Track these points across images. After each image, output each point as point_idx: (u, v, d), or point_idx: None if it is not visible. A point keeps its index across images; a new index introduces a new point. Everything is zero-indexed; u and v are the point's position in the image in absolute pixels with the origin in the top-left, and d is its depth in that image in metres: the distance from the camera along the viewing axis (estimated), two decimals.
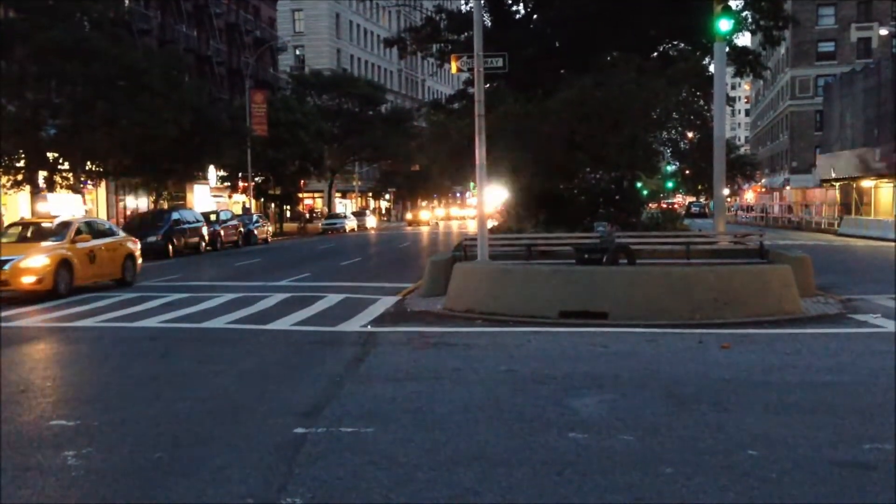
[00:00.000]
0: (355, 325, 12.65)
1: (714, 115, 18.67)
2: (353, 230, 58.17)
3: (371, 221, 66.03)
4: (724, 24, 17.44)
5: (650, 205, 30.00)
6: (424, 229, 59.47)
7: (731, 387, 8.01)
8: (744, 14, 27.17)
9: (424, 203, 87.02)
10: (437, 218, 77.61)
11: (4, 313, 14.27)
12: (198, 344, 11.28)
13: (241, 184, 50.88)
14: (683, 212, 67.16)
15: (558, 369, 9.01)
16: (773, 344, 10.39)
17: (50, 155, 27.66)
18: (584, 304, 12.33)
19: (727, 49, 21.35)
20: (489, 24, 28.65)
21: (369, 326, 12.46)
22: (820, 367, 8.99)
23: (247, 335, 11.77)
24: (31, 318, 13.71)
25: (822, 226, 49.07)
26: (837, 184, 49.71)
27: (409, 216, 74.61)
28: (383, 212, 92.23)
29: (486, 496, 5.15)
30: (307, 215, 68.00)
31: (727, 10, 17.35)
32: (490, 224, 46.04)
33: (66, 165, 28.41)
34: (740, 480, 5.35)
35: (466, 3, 43.34)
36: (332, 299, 15.59)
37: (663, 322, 11.76)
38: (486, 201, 17.10)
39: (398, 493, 5.20)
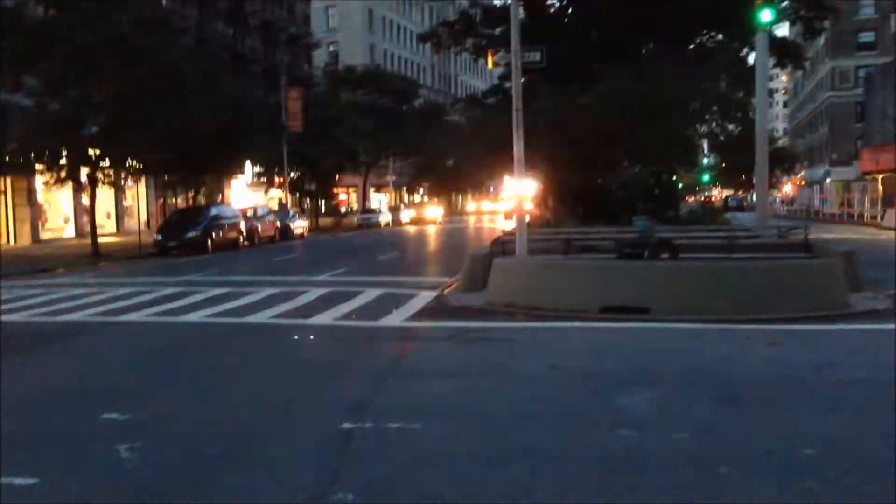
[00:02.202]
0: (396, 319, 12.66)
1: (756, 106, 18.38)
2: (387, 225, 58.28)
3: (406, 216, 65.00)
4: (765, 15, 17.15)
5: (688, 198, 29.73)
6: (431, 229, 51.38)
7: (782, 384, 7.87)
8: (783, 4, 26.73)
9: (451, 196, 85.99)
10: (463, 212, 76.20)
11: (51, 308, 14.50)
12: (242, 338, 11.37)
13: (277, 179, 51.23)
14: (720, 205, 66.36)
15: (603, 365, 8.94)
16: (823, 340, 10.21)
17: (91, 152, 28.02)
18: (625, 300, 12.20)
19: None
20: (524, 17, 28.52)
21: (411, 322, 12.46)
22: (873, 364, 8.79)
23: (289, 330, 11.83)
24: (77, 312, 13.91)
25: (865, 219, 48.16)
26: (881, 176, 48.76)
27: (407, 214, 64.83)
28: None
29: (539, 494, 5.11)
30: (342, 210, 68.24)
31: (769, 0, 17.07)
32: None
33: (108, 162, 28.78)
34: (798, 481, 5.24)
35: None
36: (372, 294, 15.62)
37: (707, 318, 11.58)
38: (523, 196, 16.99)
39: (450, 490, 5.17)
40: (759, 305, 11.93)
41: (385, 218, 59.60)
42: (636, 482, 5.25)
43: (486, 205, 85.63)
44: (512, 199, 53.53)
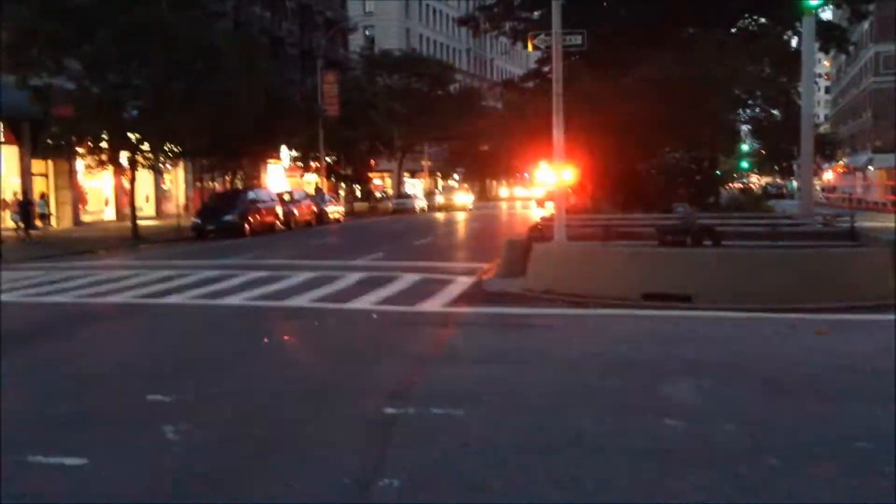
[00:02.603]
0: (435, 304, 12.63)
1: (803, 91, 17.98)
2: (422, 210, 58.26)
3: (462, 199, 63.67)
4: None
5: (727, 185, 29.30)
6: (461, 216, 49.23)
7: (831, 374, 7.71)
8: None
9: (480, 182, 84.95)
10: (496, 199, 74.68)
11: (96, 289, 14.69)
12: (282, 322, 11.42)
13: (312, 163, 51.43)
14: (760, 192, 65.32)
15: (645, 353, 8.82)
16: (872, 330, 9.98)
17: (131, 135, 28.32)
18: (667, 287, 12.04)
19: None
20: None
21: (450, 307, 12.42)
22: None
23: (328, 314, 11.85)
24: (121, 293, 14.08)
25: None
26: None
27: (421, 200, 60.18)
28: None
29: (586, 483, 5.05)
30: (377, 195, 68.29)
31: None
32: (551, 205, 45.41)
33: (147, 146, 29.07)
34: (851, 473, 5.12)
35: None
36: (409, 279, 15.61)
37: (751, 306, 11.39)
38: (559, 182, 16.84)
39: (495, 479, 5.13)
40: (804, 294, 11.71)
41: (420, 203, 59.53)
42: (685, 473, 5.16)
43: (519, 191, 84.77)
44: (545, 186, 53.02)
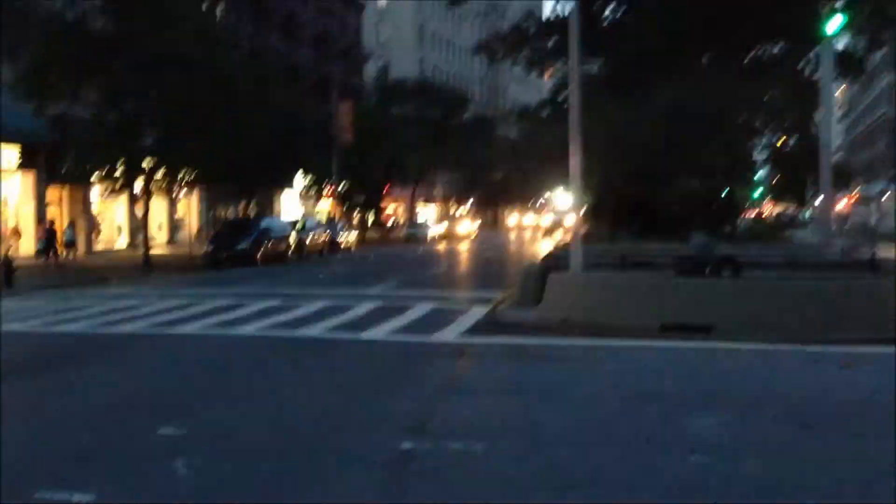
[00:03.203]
0: (450, 335, 12.46)
1: (821, 120, 17.83)
2: (434, 239, 58.05)
3: (465, 228, 60.62)
4: (833, 24, 16.61)
5: (744, 213, 29.08)
6: (454, 248, 44.50)
7: (859, 409, 7.49)
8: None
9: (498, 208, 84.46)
10: (504, 227, 72.82)
11: (108, 318, 14.60)
12: (295, 352, 11.26)
13: (326, 191, 51.47)
14: (773, 221, 64.89)
15: (666, 386, 8.62)
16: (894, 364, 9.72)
17: (146, 163, 28.42)
18: (686, 318, 11.83)
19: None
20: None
21: (465, 337, 12.24)
22: None
23: (342, 344, 11.70)
24: (133, 322, 13.98)
25: None
26: None
27: (433, 228, 58.32)
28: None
29: None
30: (389, 224, 68.24)
31: (836, 10, 16.56)
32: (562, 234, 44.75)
33: (161, 173, 29.15)
34: None
35: (553, 10, 42.98)
36: (423, 308, 15.45)
37: (773, 338, 11.17)
38: (577, 210, 16.68)
39: None
40: (827, 326, 11.47)
41: (433, 231, 59.31)
42: None
43: (527, 219, 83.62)
44: (552, 215, 52.51)
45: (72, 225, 32.18)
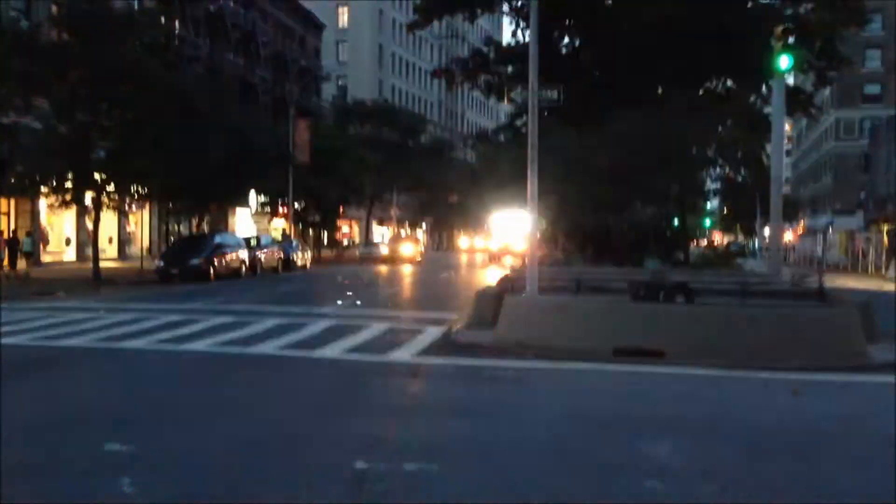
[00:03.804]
0: (405, 354, 12.38)
1: (772, 154, 18.27)
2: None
3: (408, 250, 55.75)
4: (783, 62, 17.10)
5: (692, 242, 29.59)
6: (407, 270, 43.31)
7: (810, 436, 7.60)
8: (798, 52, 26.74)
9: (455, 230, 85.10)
10: (455, 249, 71.28)
11: (53, 332, 14.24)
12: (247, 369, 11.07)
13: (281, 209, 51.11)
14: (723, 250, 66.16)
15: (621, 410, 8.66)
16: (845, 391, 9.94)
17: (97, 176, 27.91)
18: (640, 342, 11.94)
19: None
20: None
21: (420, 357, 12.18)
22: None
23: (295, 362, 11.55)
24: (79, 337, 13.64)
25: (869, 270, 47.91)
26: (886, 226, 48.67)
27: (382, 248, 55.53)
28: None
29: None
30: (344, 243, 68.00)
31: (788, 47, 17.04)
32: (511, 259, 44.51)
33: (113, 187, 28.65)
34: None
35: (513, 36, 43.50)
36: (378, 328, 15.34)
37: (723, 363, 11.32)
38: (532, 233, 16.78)
39: None
40: (776, 353, 11.66)
41: (386, 251, 58.94)
42: None
43: (479, 242, 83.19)
44: (498, 239, 51.93)
45: (30, 234, 31.51)
